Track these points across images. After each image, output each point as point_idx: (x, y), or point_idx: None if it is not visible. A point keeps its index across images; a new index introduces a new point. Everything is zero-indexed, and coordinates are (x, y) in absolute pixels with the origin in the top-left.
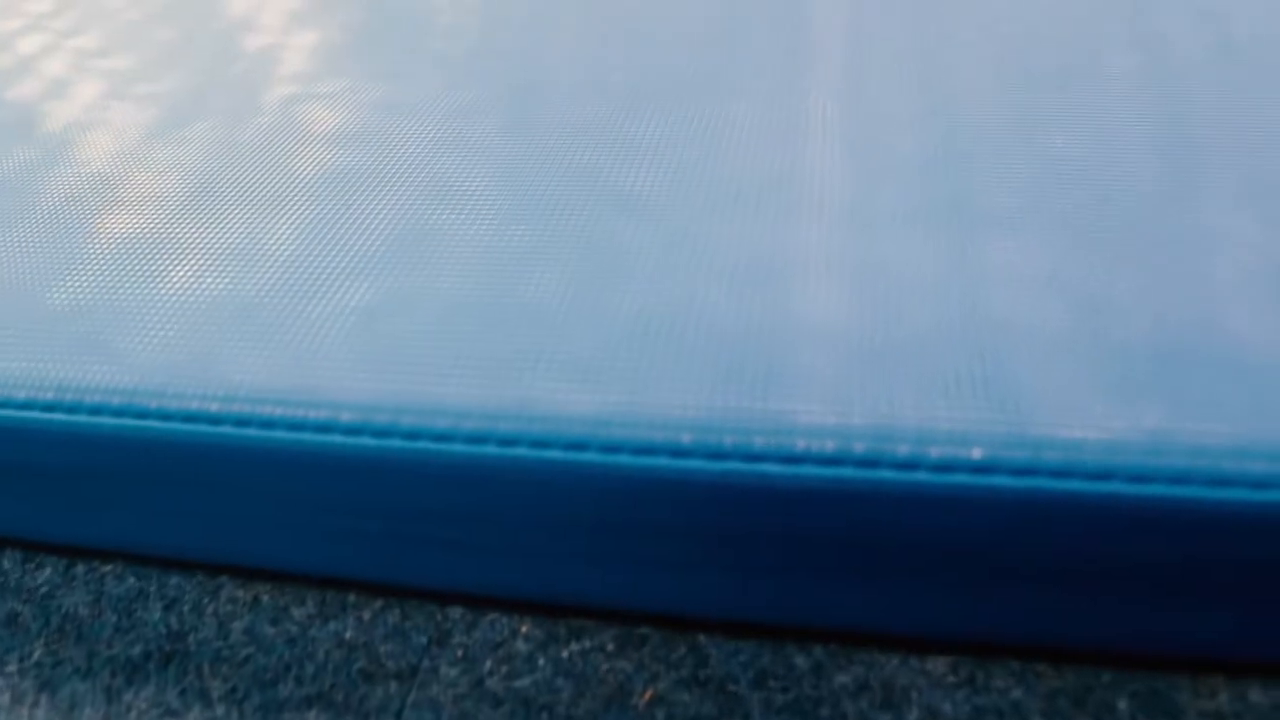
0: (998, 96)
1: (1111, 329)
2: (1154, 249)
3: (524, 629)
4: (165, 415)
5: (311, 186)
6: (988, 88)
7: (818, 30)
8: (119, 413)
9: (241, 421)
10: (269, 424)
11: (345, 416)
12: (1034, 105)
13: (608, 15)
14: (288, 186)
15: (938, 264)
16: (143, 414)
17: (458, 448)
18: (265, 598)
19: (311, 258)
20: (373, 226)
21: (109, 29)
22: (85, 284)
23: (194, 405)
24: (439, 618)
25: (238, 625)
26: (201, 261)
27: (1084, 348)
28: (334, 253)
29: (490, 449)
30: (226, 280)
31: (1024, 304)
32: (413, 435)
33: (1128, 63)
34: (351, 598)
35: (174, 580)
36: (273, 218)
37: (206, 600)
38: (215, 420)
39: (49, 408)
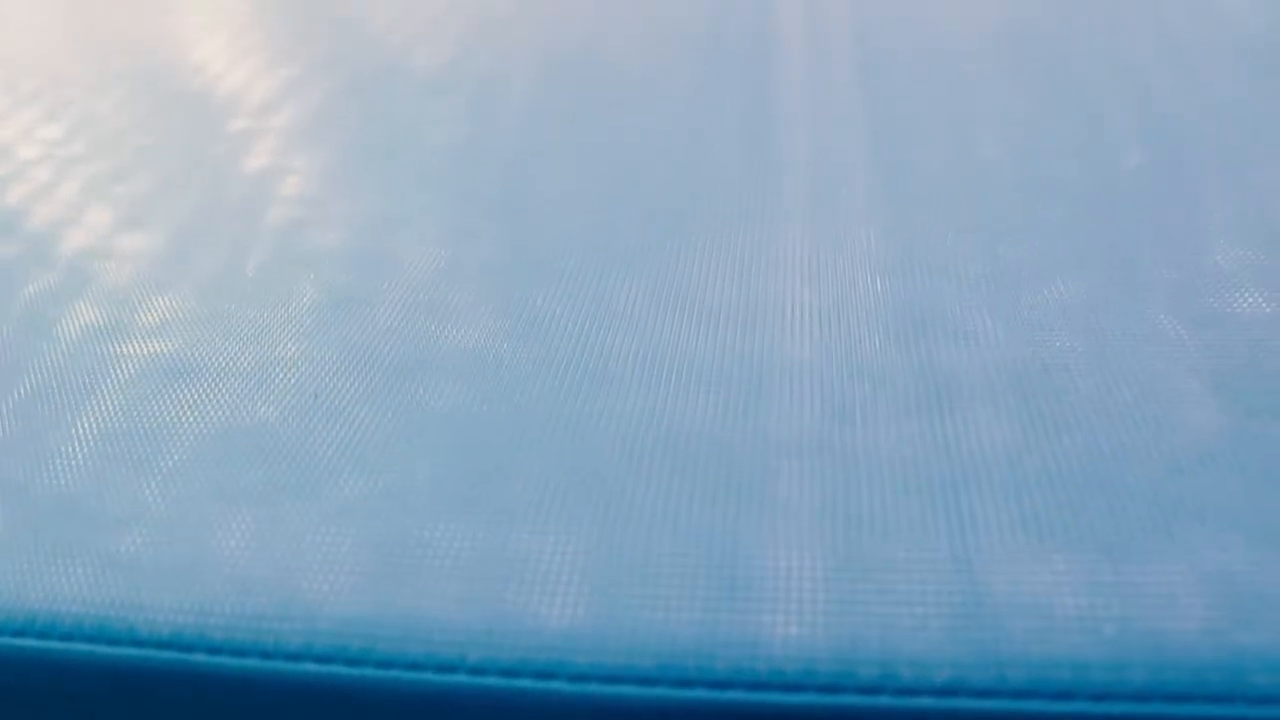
0: (963, 249)
1: (1071, 519)
2: (1106, 421)
3: None
4: (138, 641)
5: (290, 364)
6: (952, 236)
7: (785, 187)
8: (92, 638)
9: (214, 649)
10: (241, 651)
11: (319, 644)
12: (998, 267)
13: (585, 159)
14: (267, 363)
15: (905, 451)
16: (115, 640)
17: (429, 676)
18: None
19: (289, 449)
20: (351, 410)
21: (83, 180)
22: (57, 483)
23: (165, 632)
24: None
25: None
26: (178, 455)
27: (1046, 542)
28: (313, 442)
29: (461, 678)
30: (202, 479)
31: (991, 493)
32: (385, 663)
33: (1080, 204)
34: None
35: None
36: (252, 401)
37: None
38: (188, 647)
39: (19, 633)
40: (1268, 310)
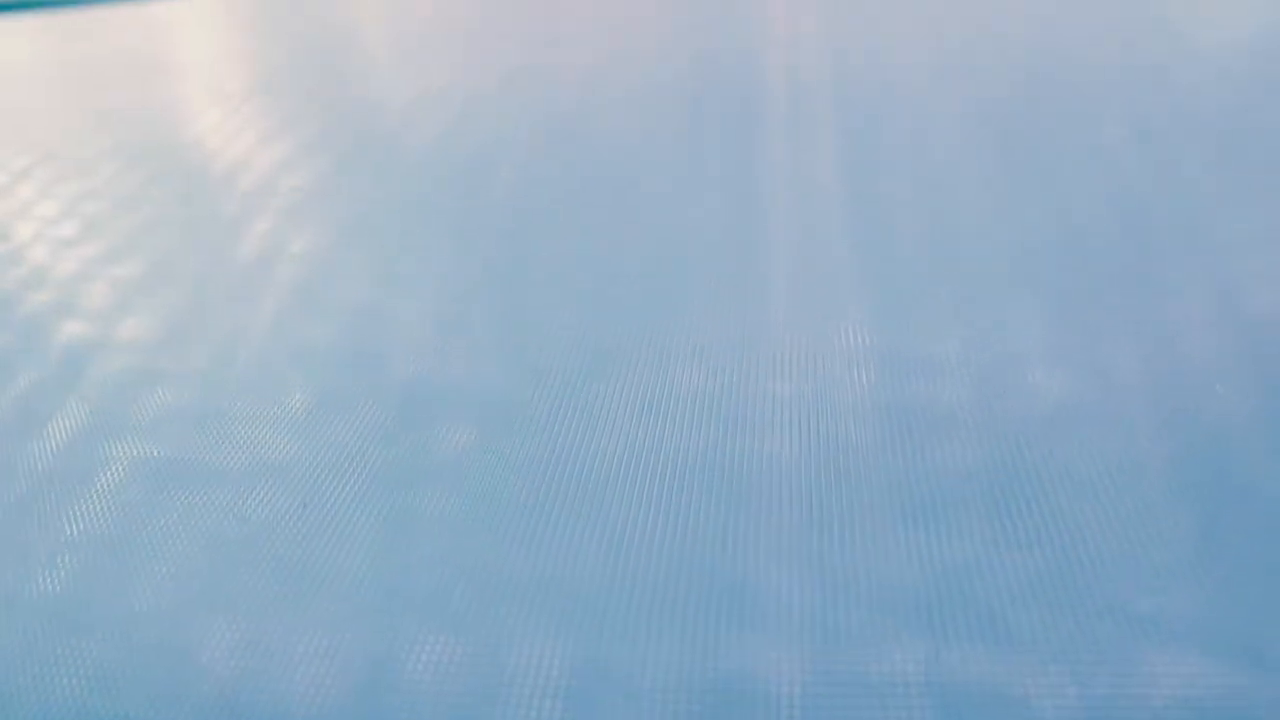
0: (942, 348)
1: (1043, 637)
2: (1077, 531)
3: None
4: None
5: (279, 468)
6: (931, 334)
7: (769, 282)
8: None
9: None
10: None
11: None
12: (975, 364)
13: (571, 256)
14: (256, 467)
15: (881, 563)
16: None
17: None
18: None
19: (277, 558)
20: (338, 519)
21: (60, 284)
22: (46, 593)
23: None
24: None
25: None
26: (168, 564)
27: (1018, 660)
28: (301, 552)
29: None
30: (192, 589)
31: (964, 607)
32: None
33: (1056, 298)
34: None
35: None
36: (241, 507)
37: None
38: None
39: None
40: (1237, 412)
